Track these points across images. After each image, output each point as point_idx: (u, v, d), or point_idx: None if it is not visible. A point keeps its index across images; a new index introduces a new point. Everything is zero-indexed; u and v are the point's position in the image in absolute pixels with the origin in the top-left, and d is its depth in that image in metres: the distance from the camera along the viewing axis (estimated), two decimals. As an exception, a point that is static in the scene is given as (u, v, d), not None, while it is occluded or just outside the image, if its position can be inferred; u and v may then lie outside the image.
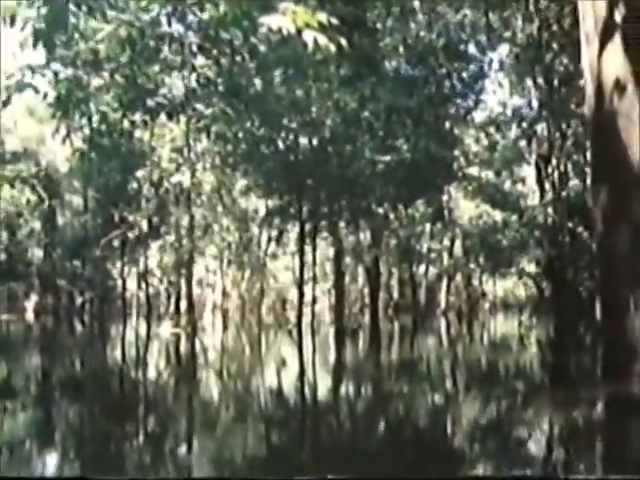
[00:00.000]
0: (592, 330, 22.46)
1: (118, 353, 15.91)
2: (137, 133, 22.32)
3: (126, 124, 14.90)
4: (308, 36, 8.85)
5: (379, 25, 26.32)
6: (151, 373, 11.67)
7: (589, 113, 8.50)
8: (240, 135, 21.11)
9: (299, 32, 9.10)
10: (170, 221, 29.02)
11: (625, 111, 7.92)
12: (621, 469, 4.69)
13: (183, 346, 18.30)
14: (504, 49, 29.72)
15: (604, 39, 8.03)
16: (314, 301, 26.81)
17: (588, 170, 27.86)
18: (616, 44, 8.00)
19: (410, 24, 27.67)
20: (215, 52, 13.74)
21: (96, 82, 14.21)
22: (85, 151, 15.22)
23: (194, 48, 13.92)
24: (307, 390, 9.67)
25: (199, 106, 16.86)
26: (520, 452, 5.48)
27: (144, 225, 28.50)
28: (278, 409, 7.95)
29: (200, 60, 15.18)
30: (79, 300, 42.51)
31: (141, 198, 27.91)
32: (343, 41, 9.37)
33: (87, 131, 15.24)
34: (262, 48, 14.58)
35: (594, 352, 14.86)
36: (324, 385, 10.35)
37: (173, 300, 35.30)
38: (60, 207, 41.19)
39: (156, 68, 14.72)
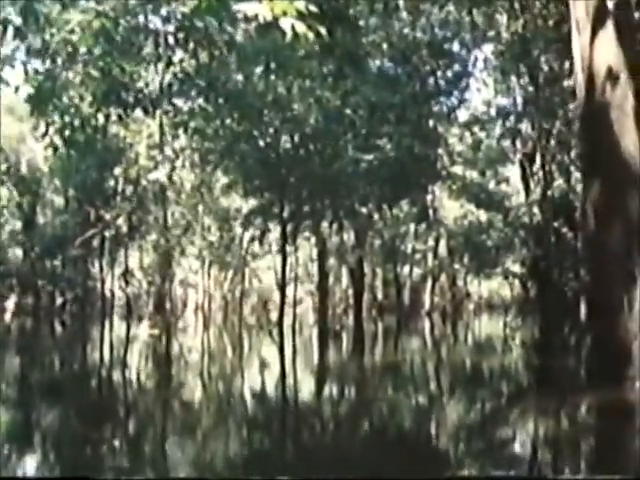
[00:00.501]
0: (577, 331, 22.45)
1: (95, 355, 15.61)
2: (113, 129, 21.79)
3: (101, 119, 14.42)
4: (285, 23, 8.45)
5: (362, 22, 25.94)
6: (125, 375, 11.46)
7: (579, 104, 8.11)
8: (220, 132, 20.57)
9: (276, 20, 8.67)
10: (149, 220, 28.41)
11: (618, 102, 7.55)
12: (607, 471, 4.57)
13: (161, 347, 17.97)
14: (489, 47, 29.41)
15: (596, 26, 7.65)
16: (295, 302, 26.37)
17: (573, 169, 27.82)
18: (608, 32, 7.62)
19: (394, 21, 27.32)
20: (192, 45, 13.30)
21: (69, 75, 13.75)
22: (58, 146, 14.69)
23: (171, 41, 13.46)
24: (287, 392, 9.54)
25: (177, 101, 16.40)
26: (503, 453, 5.44)
27: (122, 224, 27.86)
28: (256, 412, 7.80)
29: (177, 53, 14.72)
30: (59, 300, 41.89)
31: (118, 196, 27.25)
32: (322, 30, 8.98)
33: (61, 126, 14.74)
34: (241, 41, 14.15)
35: (579, 353, 14.89)
36: (304, 387, 10.20)
37: (152, 301, 34.84)
38: (41, 206, 40.59)
39: (132, 61, 14.23)
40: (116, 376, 11.39)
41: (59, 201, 39.28)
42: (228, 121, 20.07)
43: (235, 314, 37.49)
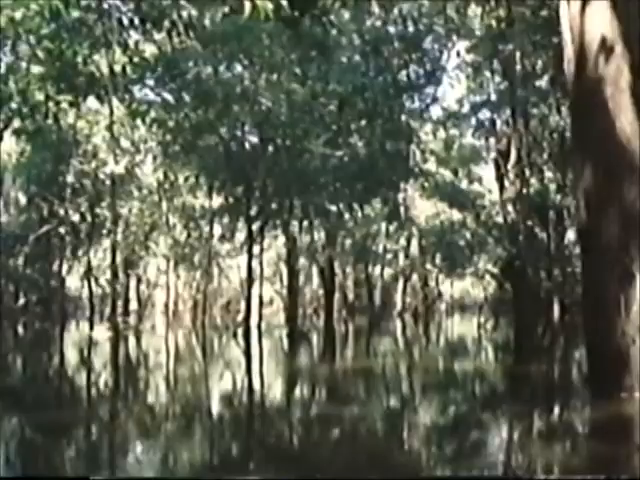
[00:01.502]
0: (551, 331, 22.32)
1: (50, 358, 15.04)
2: (69, 119, 20.62)
3: (52, 106, 13.41)
4: (240, -8, 7.69)
5: (333, 14, 25.17)
6: (75, 380, 11.02)
7: (569, 81, 7.26)
8: (182, 124, 19.44)
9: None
10: (109, 216, 27.06)
11: (612, 77, 6.72)
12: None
13: (118, 350, 17.42)
14: (463, 43, 28.75)
15: (588, -9, 6.82)
16: (262, 302, 25.46)
17: (546, 168, 27.31)
18: (602, -3, 6.80)
19: (364, 14, 26.65)
20: (149, 26, 12.33)
21: (15, 57, 12.76)
22: (2, 135, 13.71)
23: (125, 21, 12.47)
24: (254, 396, 9.18)
25: (134, 89, 15.33)
26: (476, 457, 5.32)
27: (79, 220, 26.47)
28: (220, 417, 7.52)
29: (133, 36, 13.69)
30: (22, 301, 40.57)
31: (74, 190, 25.81)
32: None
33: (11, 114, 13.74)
34: (202, 23, 13.22)
35: (553, 354, 15.03)
36: (273, 390, 9.89)
37: (114, 301, 33.64)
38: (4, 204, 39.35)
39: (83, 43, 13.20)
40: (65, 381, 10.95)
41: (23, 198, 38.13)
42: (190, 113, 19.01)
43: (203, 315, 36.51)
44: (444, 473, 4.92)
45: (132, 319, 33.24)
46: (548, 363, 12.84)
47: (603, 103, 6.64)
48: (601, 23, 6.73)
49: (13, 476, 4.64)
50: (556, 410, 7.53)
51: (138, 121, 18.02)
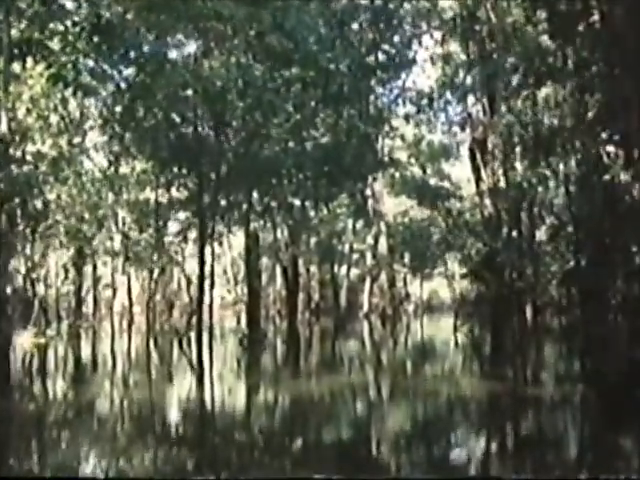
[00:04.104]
0: (522, 334, 21.20)
1: None
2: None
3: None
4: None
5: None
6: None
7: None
8: (121, 99, 16.98)
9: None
10: (49, 210, 24.40)
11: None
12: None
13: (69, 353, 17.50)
14: (435, 24, 26.96)
15: None
16: (211, 303, 23.28)
17: (522, 159, 25.74)
18: None
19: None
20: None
21: None
22: None
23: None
24: (209, 402, 8.83)
25: (53, 47, 12.99)
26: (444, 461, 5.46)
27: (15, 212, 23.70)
28: (172, 427, 7.43)
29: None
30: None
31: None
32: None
33: None
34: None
35: (524, 355, 15.15)
36: (232, 396, 9.49)
37: (51, 304, 31.40)
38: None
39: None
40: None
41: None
42: (131, 87, 16.59)
43: (151, 317, 34.41)
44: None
45: (82, 321, 31.35)
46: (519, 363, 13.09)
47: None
48: None
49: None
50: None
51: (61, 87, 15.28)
